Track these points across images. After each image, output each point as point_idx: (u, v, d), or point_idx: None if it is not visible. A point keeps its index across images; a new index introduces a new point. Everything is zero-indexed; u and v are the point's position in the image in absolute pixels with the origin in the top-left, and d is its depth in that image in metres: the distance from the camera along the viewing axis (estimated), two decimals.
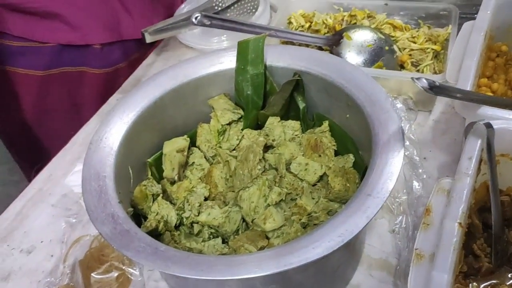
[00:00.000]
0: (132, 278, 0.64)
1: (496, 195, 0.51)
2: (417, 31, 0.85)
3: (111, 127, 0.59)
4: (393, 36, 0.85)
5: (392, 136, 0.52)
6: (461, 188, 0.49)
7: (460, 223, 0.46)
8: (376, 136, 0.53)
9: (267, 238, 0.54)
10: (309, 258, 0.43)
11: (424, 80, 0.50)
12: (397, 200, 0.62)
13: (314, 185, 0.60)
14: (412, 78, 0.50)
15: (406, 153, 0.66)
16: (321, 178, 0.60)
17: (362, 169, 0.59)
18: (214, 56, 0.67)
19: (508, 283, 0.51)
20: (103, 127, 0.58)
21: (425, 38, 0.83)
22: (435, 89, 0.51)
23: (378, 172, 0.49)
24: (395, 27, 0.87)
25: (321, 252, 0.43)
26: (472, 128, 0.54)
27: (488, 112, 0.57)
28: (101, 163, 0.55)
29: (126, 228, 0.48)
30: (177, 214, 0.57)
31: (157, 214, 0.56)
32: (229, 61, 0.66)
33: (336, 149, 0.63)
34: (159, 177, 0.64)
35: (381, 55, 0.82)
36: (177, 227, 0.57)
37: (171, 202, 0.60)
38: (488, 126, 0.53)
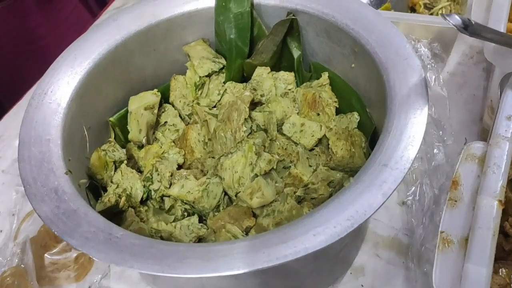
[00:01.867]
0: (94, 259, 0.54)
1: None
2: None
3: (59, 78, 0.47)
4: None
5: (413, 90, 0.41)
6: (499, 155, 0.39)
7: (500, 201, 0.36)
8: (391, 89, 0.42)
9: (254, 215, 0.44)
10: (309, 249, 0.33)
11: (457, 17, 0.39)
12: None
13: (311, 150, 0.50)
14: (442, 15, 0.39)
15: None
16: (319, 141, 0.50)
17: (370, 130, 0.49)
18: None
19: None
20: (48, 78, 0.47)
21: None
22: (470, 28, 0.39)
23: (396, 136, 0.38)
24: None
25: (325, 240, 0.33)
26: (510, 80, 0.43)
27: None
28: (45, 124, 0.43)
29: (73, 207, 0.37)
30: (144, 186, 0.46)
31: (117, 187, 0.45)
32: None
33: (337, 106, 0.52)
34: (124, 140, 0.53)
35: None
36: (144, 201, 0.47)
37: (139, 171, 0.49)
38: None
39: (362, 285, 0.48)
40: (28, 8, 0.90)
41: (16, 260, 0.54)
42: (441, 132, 0.51)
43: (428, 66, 0.51)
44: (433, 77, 0.52)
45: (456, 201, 0.39)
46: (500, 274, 0.43)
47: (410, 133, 0.38)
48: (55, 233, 0.35)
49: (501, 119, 0.41)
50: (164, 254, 0.33)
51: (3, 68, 0.92)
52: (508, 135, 0.40)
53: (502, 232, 0.44)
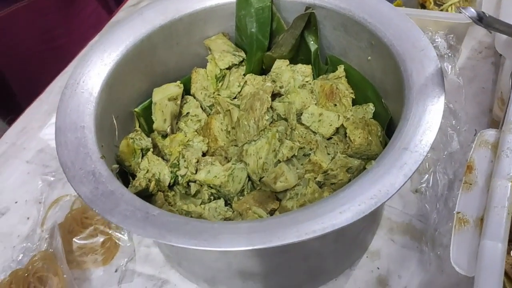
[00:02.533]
0: (120, 243, 0.56)
1: None
2: None
3: (90, 69, 0.49)
4: None
5: (430, 79, 0.43)
6: (508, 141, 0.41)
7: None
8: (409, 78, 0.44)
9: (278, 199, 0.47)
10: (336, 225, 0.35)
11: (473, 10, 0.41)
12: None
13: (329, 138, 0.52)
14: (458, 8, 0.41)
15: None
16: (337, 131, 0.52)
17: (386, 120, 0.51)
18: None
19: None
20: (79, 69, 0.49)
21: None
22: (485, 20, 0.41)
23: (414, 122, 0.40)
24: None
25: (351, 217, 0.35)
26: None
27: None
28: (79, 111, 0.46)
29: (111, 188, 0.39)
30: (171, 172, 0.49)
31: (147, 172, 0.48)
32: None
33: (354, 97, 0.54)
34: (148, 130, 0.55)
35: None
36: (171, 186, 0.49)
37: (163, 158, 0.52)
38: None
39: (378, 268, 0.50)
40: (48, 7, 0.92)
41: (45, 245, 0.56)
42: (454, 121, 0.53)
43: (445, 56, 0.53)
44: (450, 66, 0.54)
45: (471, 184, 0.41)
46: None
47: (428, 119, 0.40)
48: (96, 211, 0.37)
49: None
50: (199, 230, 0.36)
51: (22, 65, 0.94)
52: None
53: None
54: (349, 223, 0.35)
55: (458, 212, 0.40)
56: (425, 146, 0.39)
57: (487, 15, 0.42)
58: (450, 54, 0.53)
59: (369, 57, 0.52)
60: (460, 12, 0.42)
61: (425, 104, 0.41)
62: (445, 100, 0.42)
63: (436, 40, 0.55)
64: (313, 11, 0.53)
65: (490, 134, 0.44)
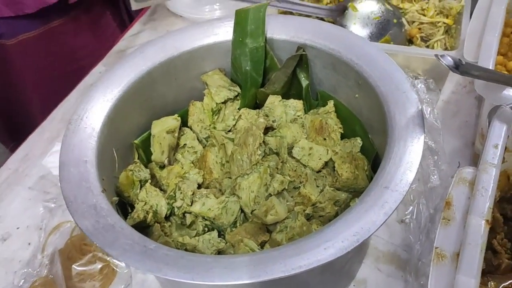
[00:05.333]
0: (117, 270, 0.58)
1: None
2: (427, 3, 0.79)
3: (93, 105, 0.52)
4: (401, 8, 0.78)
5: (411, 120, 0.46)
6: (487, 180, 0.44)
7: (487, 221, 0.41)
8: (392, 119, 0.47)
9: (268, 231, 0.49)
10: (320, 261, 0.37)
11: (450, 58, 0.44)
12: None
13: (318, 172, 0.55)
14: (436, 56, 0.45)
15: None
16: (326, 164, 0.55)
17: (372, 154, 0.54)
18: (209, 26, 0.60)
19: None
20: (83, 105, 0.52)
21: (435, 10, 0.77)
22: (461, 68, 0.45)
23: (396, 162, 0.43)
24: None
25: (334, 253, 0.38)
26: (497, 112, 0.48)
27: None
28: (82, 146, 0.48)
29: (111, 222, 0.42)
30: (168, 204, 0.51)
31: (145, 204, 0.50)
32: (225, 32, 0.59)
33: (342, 132, 0.57)
34: (146, 161, 0.58)
35: (389, 28, 0.75)
36: (167, 217, 0.51)
37: (160, 189, 0.54)
38: None
39: None
40: (75, 30, 0.96)
41: (45, 271, 0.59)
42: (436, 157, 0.56)
43: (424, 100, 0.57)
44: (429, 109, 0.57)
45: (449, 220, 0.44)
46: (489, 286, 0.48)
47: (408, 159, 0.43)
48: (98, 245, 0.40)
49: (489, 147, 0.46)
50: (194, 264, 0.38)
51: (37, 86, 0.97)
52: (495, 162, 0.45)
53: (491, 248, 0.49)
54: (333, 259, 0.37)
55: (436, 247, 0.42)
56: (405, 186, 0.41)
57: (464, 63, 0.46)
58: (428, 99, 0.56)
59: (357, 95, 0.55)
60: (438, 60, 0.45)
61: (406, 144, 0.44)
62: (425, 140, 0.45)
63: (417, 84, 0.58)
64: (304, 52, 0.57)
65: (468, 171, 0.47)
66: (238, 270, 0.37)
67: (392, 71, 0.51)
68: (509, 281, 0.48)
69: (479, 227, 0.41)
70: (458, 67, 0.45)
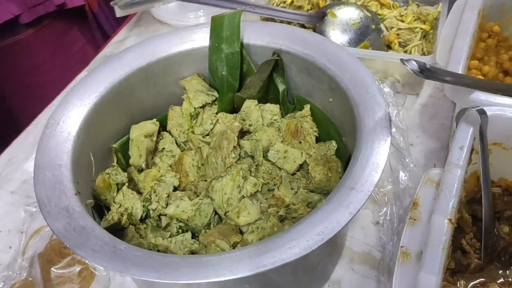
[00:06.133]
0: (96, 273, 0.59)
1: (487, 187, 0.47)
2: (405, 9, 0.81)
3: (70, 110, 0.53)
4: (380, 14, 0.80)
5: (379, 123, 0.47)
6: (451, 181, 0.45)
7: (450, 220, 0.42)
8: (361, 122, 0.48)
9: (241, 232, 0.50)
10: (285, 259, 0.38)
11: (414, 62, 0.46)
12: (382, 190, 0.58)
13: (293, 174, 0.56)
14: (401, 60, 0.46)
15: (392, 141, 0.62)
16: (301, 166, 0.56)
17: (345, 157, 0.55)
18: (186, 32, 0.61)
19: (498, 281, 0.48)
20: (60, 110, 0.53)
21: (413, 17, 0.79)
22: (426, 72, 0.46)
23: (362, 163, 0.44)
24: (382, 5, 0.82)
25: (299, 252, 0.38)
26: (464, 115, 0.50)
27: (481, 97, 0.53)
28: (57, 150, 0.49)
29: (82, 224, 0.43)
30: (143, 206, 0.52)
31: (120, 206, 0.51)
32: (202, 38, 0.61)
33: (317, 135, 0.58)
34: (125, 165, 0.58)
35: (367, 34, 0.77)
36: (143, 220, 0.52)
37: (138, 192, 0.55)
38: (482, 112, 0.49)
39: None
40: (38, 45, 0.97)
41: (25, 274, 0.59)
42: (406, 159, 0.57)
43: (390, 103, 0.58)
44: (395, 112, 0.58)
45: (415, 219, 0.45)
46: (459, 285, 0.49)
47: (375, 160, 0.44)
48: (67, 246, 0.40)
49: (454, 149, 0.47)
50: (162, 263, 0.39)
51: (5, 100, 0.98)
52: (460, 163, 0.46)
53: (461, 248, 0.50)
54: (297, 258, 0.38)
55: (402, 246, 0.43)
56: (370, 186, 0.42)
57: (429, 67, 0.47)
58: (394, 102, 0.58)
59: (330, 99, 0.56)
60: (403, 64, 0.46)
61: (372, 146, 0.45)
62: (392, 142, 0.46)
63: (384, 88, 0.59)
64: (278, 57, 0.58)
65: (435, 173, 0.48)
66: (204, 269, 0.38)
67: (361, 75, 0.52)
68: (478, 280, 0.49)
69: (442, 226, 0.42)
70: (423, 71, 0.46)
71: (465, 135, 0.49)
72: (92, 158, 0.54)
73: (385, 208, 0.57)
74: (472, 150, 0.50)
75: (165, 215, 0.52)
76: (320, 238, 0.39)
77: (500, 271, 0.49)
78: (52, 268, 0.59)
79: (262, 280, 0.46)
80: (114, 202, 0.53)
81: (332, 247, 0.53)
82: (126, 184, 0.54)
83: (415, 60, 0.46)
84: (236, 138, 0.55)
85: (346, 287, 0.54)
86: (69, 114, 0.52)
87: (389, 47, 0.78)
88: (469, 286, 0.49)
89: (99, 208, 0.53)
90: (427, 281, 0.39)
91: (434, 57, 0.63)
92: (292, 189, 0.54)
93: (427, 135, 0.69)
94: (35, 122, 0.81)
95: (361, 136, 0.47)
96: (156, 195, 0.52)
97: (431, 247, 0.40)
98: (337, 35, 0.77)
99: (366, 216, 0.59)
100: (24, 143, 0.78)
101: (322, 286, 0.55)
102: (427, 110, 0.73)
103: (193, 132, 0.60)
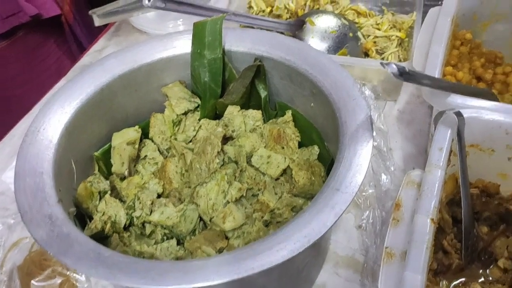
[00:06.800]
0: (77, 285, 0.58)
1: (466, 188, 0.49)
2: (381, 18, 0.83)
3: (50, 117, 0.52)
4: (357, 23, 0.82)
5: (361, 125, 0.48)
6: (432, 181, 0.46)
7: (432, 219, 0.43)
8: (343, 125, 0.49)
9: (227, 238, 0.50)
10: (273, 262, 0.38)
11: (394, 66, 0.47)
12: (364, 194, 0.59)
13: (277, 179, 0.56)
14: (381, 63, 0.47)
15: (374, 144, 0.63)
16: (284, 171, 0.56)
17: (328, 161, 0.55)
18: (168, 39, 0.61)
19: (479, 281, 0.49)
20: (40, 117, 0.52)
21: (389, 25, 0.81)
22: (405, 75, 0.47)
23: (346, 165, 0.45)
24: (358, 13, 0.84)
25: (286, 255, 0.39)
26: (442, 117, 0.51)
27: (458, 100, 0.54)
28: (38, 158, 0.48)
29: (66, 231, 0.42)
30: (127, 214, 0.51)
31: (103, 214, 0.50)
32: (184, 45, 0.61)
33: (300, 140, 0.59)
34: (107, 173, 0.58)
35: (345, 42, 0.79)
36: (127, 228, 0.52)
37: (121, 200, 0.54)
38: (459, 115, 0.50)
39: None
40: (11, 57, 0.95)
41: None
42: (387, 162, 0.58)
43: (372, 106, 0.59)
44: (376, 115, 0.60)
45: (398, 220, 0.46)
46: (441, 285, 0.50)
47: (358, 162, 0.45)
48: (51, 254, 0.40)
49: (434, 150, 0.49)
50: (148, 269, 0.38)
51: None
52: (440, 164, 0.47)
53: (442, 249, 0.51)
54: (285, 260, 0.38)
55: (386, 247, 0.44)
56: (355, 187, 0.43)
57: (408, 70, 0.48)
58: (376, 105, 0.59)
59: (312, 104, 0.57)
60: (383, 67, 0.47)
61: (355, 148, 0.46)
62: (374, 144, 0.47)
63: (365, 91, 0.61)
64: (260, 63, 0.58)
65: (416, 174, 0.50)
66: (191, 274, 0.38)
67: (342, 79, 0.53)
68: (460, 280, 0.50)
69: (425, 225, 0.43)
70: (402, 74, 0.47)
71: (444, 137, 0.50)
72: (73, 166, 0.53)
73: (367, 212, 0.58)
74: (451, 152, 0.52)
75: (150, 222, 0.51)
76: (307, 240, 0.40)
77: (481, 271, 0.50)
78: (32, 281, 0.57)
79: (248, 284, 0.46)
80: (97, 210, 0.52)
81: (317, 251, 0.54)
82: (109, 192, 0.54)
83: (395, 64, 0.47)
84: (220, 144, 0.55)
85: None
86: (50, 122, 0.52)
87: (366, 54, 0.79)
88: (451, 286, 0.50)
89: (81, 218, 0.52)
90: (412, 280, 0.39)
91: (411, 63, 0.65)
92: (276, 194, 0.55)
93: (405, 140, 0.70)
94: (12, 132, 0.80)
95: (343, 138, 0.48)
96: (140, 202, 0.52)
97: (415, 246, 0.41)
98: (316, 43, 0.78)
99: (349, 220, 0.60)
100: (0, 153, 0.76)
101: None
102: (405, 116, 0.74)
103: (175, 139, 0.59)
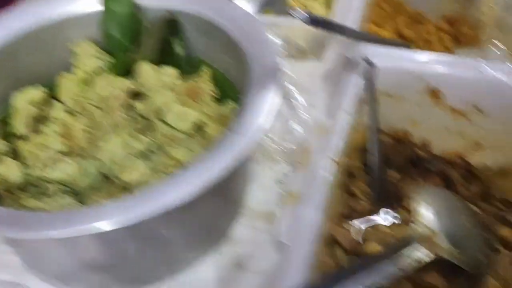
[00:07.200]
0: None
1: (374, 133, 0.49)
2: None
3: None
4: None
5: (269, 70, 0.47)
6: (339, 126, 0.46)
7: (336, 161, 0.43)
8: (252, 71, 0.48)
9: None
10: (166, 206, 0.37)
11: (303, 12, 0.46)
12: (281, 148, 0.58)
13: (190, 135, 0.54)
14: (289, 12, 0.46)
15: (293, 100, 0.63)
16: (198, 128, 0.54)
17: None
18: None
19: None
20: None
21: None
22: (315, 23, 0.47)
23: (250, 109, 0.44)
24: None
25: (179, 198, 0.37)
26: (353, 65, 0.51)
27: (370, 49, 0.54)
28: None
29: None
30: (24, 173, 0.48)
31: None
32: (94, 1, 0.58)
33: (215, 95, 0.57)
34: (5, 134, 0.54)
35: (271, 2, 0.77)
36: (24, 187, 0.48)
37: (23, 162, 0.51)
38: (369, 63, 0.50)
39: (237, 252, 0.52)
40: None
41: None
42: (308, 118, 0.58)
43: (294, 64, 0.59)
44: (300, 73, 0.60)
45: (304, 165, 0.45)
46: (352, 231, 0.50)
47: (263, 106, 0.44)
48: None
49: (343, 96, 0.48)
50: (32, 220, 0.36)
51: None
52: (348, 110, 0.47)
53: (353, 195, 0.51)
54: (181, 205, 0.37)
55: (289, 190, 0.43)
56: (258, 131, 0.42)
57: (316, 17, 0.47)
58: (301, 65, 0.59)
59: (227, 58, 0.56)
60: (291, 15, 0.46)
61: (261, 92, 0.45)
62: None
63: (276, 40, 0.61)
64: (173, 18, 0.56)
65: (328, 123, 0.49)
66: (80, 222, 0.36)
67: (254, 28, 0.52)
68: (373, 223, 0.50)
69: (326, 165, 0.42)
70: (313, 21, 0.46)
71: (354, 83, 0.50)
72: None
73: (283, 165, 0.57)
74: (363, 101, 0.52)
75: (50, 182, 0.48)
76: (202, 184, 0.38)
77: (390, 216, 0.51)
78: None
79: (148, 235, 0.44)
80: None
81: (223, 200, 0.52)
82: (6, 151, 0.50)
83: (303, 10, 0.46)
84: (127, 99, 0.52)
85: (245, 243, 0.53)
86: None
87: None
88: (362, 229, 0.49)
89: None
90: (306, 214, 0.39)
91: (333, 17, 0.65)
92: (190, 150, 0.53)
93: (329, 99, 0.70)
94: None
95: (251, 84, 0.47)
96: (39, 161, 0.49)
97: (314, 184, 0.41)
98: (241, 4, 0.76)
99: (266, 175, 0.59)
100: None
101: (220, 243, 0.53)
102: (331, 76, 0.74)
103: (83, 98, 0.56)
